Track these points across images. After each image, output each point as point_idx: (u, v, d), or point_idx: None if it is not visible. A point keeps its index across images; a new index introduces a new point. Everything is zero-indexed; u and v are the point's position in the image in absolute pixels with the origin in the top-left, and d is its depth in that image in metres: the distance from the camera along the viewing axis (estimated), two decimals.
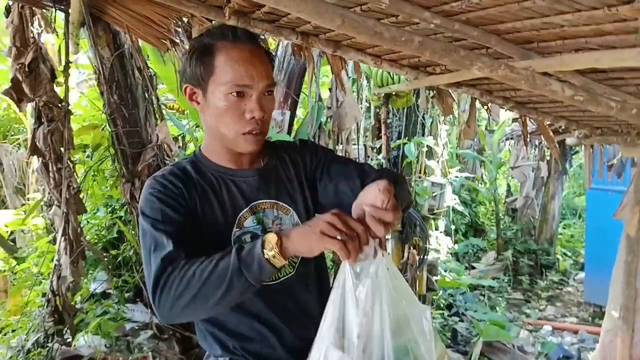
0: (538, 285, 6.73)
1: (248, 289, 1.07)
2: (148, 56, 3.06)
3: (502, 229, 7.69)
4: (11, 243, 5.05)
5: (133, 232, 3.18)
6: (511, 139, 7.56)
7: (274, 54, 3.95)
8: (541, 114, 3.00)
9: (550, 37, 1.73)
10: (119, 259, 3.30)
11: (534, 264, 7.07)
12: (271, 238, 1.05)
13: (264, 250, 1.04)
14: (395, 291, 1.06)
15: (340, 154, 3.47)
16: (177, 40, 2.38)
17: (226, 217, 1.26)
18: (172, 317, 1.14)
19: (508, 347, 4.59)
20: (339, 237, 0.99)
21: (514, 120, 7.19)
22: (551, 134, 3.35)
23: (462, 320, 5.18)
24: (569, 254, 7.72)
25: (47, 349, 2.61)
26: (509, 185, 9.19)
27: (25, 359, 2.57)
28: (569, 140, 3.53)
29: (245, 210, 1.28)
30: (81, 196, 2.96)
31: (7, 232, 4.95)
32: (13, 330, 2.81)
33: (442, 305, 4.84)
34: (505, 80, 1.96)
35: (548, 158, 7.02)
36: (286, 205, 1.33)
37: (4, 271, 4.44)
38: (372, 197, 1.07)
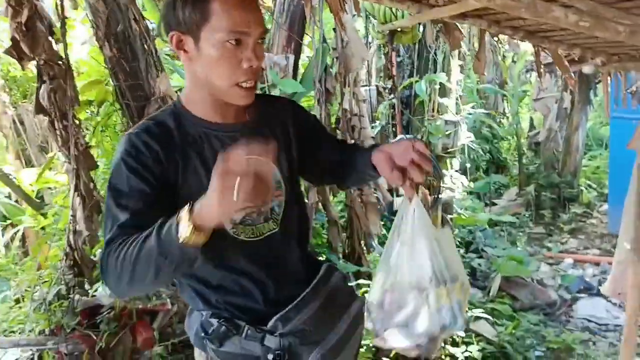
0: (560, 219, 6.66)
1: (182, 265, 1.05)
2: (144, 6, 3.00)
3: (524, 164, 7.55)
4: (38, 200, 5.20)
5: None
6: (533, 70, 7.29)
7: None
8: (553, 42, 2.86)
9: None
10: None
11: (557, 198, 6.96)
12: (184, 216, 1.00)
13: (179, 234, 0.99)
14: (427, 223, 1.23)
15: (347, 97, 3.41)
16: None
17: (210, 174, 1.21)
18: (122, 295, 1.19)
19: (527, 281, 4.61)
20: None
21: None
22: (566, 63, 3.21)
23: (481, 257, 5.20)
24: (593, 185, 7.57)
25: (69, 300, 2.73)
26: (532, 119, 8.95)
27: (48, 311, 2.70)
28: (586, 69, 3.38)
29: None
30: (94, 151, 3.00)
31: (33, 190, 5.10)
32: (37, 285, 2.94)
33: (459, 243, 4.85)
34: (504, 8, 1.87)
35: (571, 88, 6.77)
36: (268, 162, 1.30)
37: (33, 227, 4.61)
38: (404, 149, 1.17)
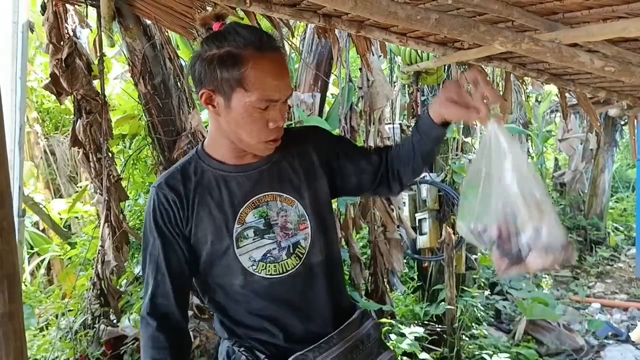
0: (587, 262, 6.53)
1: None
2: (178, 46, 3.13)
3: None
4: (66, 230, 5.31)
5: None
6: (557, 110, 7.28)
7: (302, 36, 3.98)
8: (579, 85, 2.89)
9: (575, 7, 1.66)
10: None
11: (583, 240, 6.85)
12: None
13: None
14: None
15: (372, 134, 3.46)
16: (204, 30, 2.42)
17: (225, 215, 1.27)
18: None
19: (553, 325, 4.49)
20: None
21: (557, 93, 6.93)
22: (591, 105, 3.22)
23: (506, 299, 5.11)
24: (620, 228, 7.43)
25: (94, 329, 2.76)
26: (556, 159, 8.89)
27: (74, 340, 2.73)
28: (612, 112, 3.38)
29: (245, 205, 1.28)
30: (123, 184, 3.08)
31: (62, 219, 5.22)
32: (62, 314, 2.98)
33: (482, 284, 4.79)
34: (529, 53, 1.91)
35: (596, 130, 6.73)
36: (290, 197, 1.32)
37: (60, 256, 4.70)
38: (456, 87, 1.23)
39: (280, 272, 1.29)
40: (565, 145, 7.42)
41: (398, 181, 1.42)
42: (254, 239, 1.27)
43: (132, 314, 2.84)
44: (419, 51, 3.09)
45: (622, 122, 6.54)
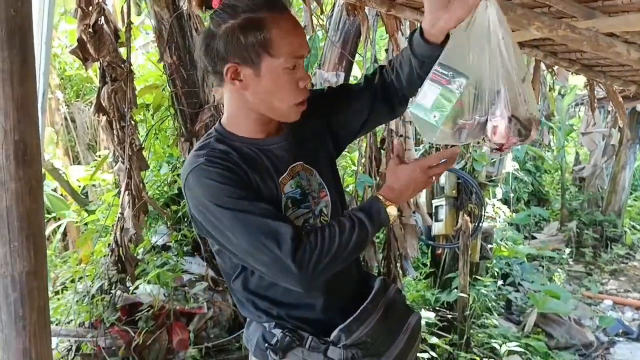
0: (602, 259, 6.46)
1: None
2: (205, 17, 3.10)
3: (567, 199, 7.38)
4: (83, 197, 5.38)
5: None
6: (582, 104, 7.16)
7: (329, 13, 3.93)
8: (610, 78, 2.83)
9: None
10: (179, 214, 3.45)
11: (599, 237, 6.76)
12: (386, 202, 1.23)
13: (390, 216, 1.23)
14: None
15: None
16: None
17: (273, 183, 1.25)
18: (315, 281, 1.19)
19: (564, 319, 4.48)
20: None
21: (585, 85, 6.78)
22: (620, 99, 3.16)
23: (517, 291, 5.09)
24: (638, 227, 7.32)
25: (110, 295, 2.81)
26: (577, 153, 8.76)
27: (90, 304, 2.78)
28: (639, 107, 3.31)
29: (285, 174, 1.28)
30: (144, 154, 3.10)
31: (80, 186, 5.28)
32: (80, 278, 3.03)
33: (496, 274, 4.77)
34: (565, 41, 1.87)
35: (620, 125, 6.60)
36: (309, 167, 1.33)
37: (77, 222, 4.76)
38: None
39: None
40: (587, 139, 7.29)
41: (398, 102, 1.41)
42: (292, 210, 1.27)
43: (147, 282, 2.88)
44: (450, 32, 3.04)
45: None
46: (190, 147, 3.11)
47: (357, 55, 3.83)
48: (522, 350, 3.58)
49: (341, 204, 1.41)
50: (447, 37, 1.22)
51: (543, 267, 5.86)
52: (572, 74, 2.92)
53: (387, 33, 2.59)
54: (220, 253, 1.32)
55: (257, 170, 1.24)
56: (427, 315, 3.38)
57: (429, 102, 1.21)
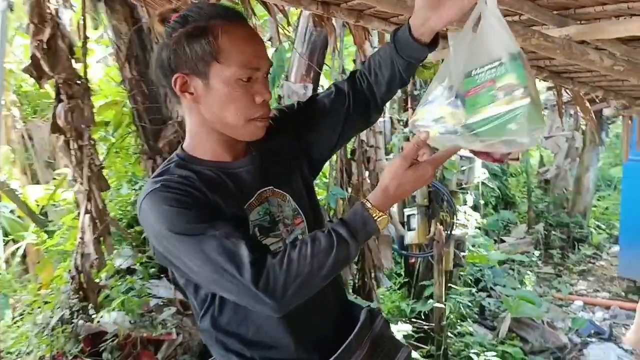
0: (570, 259, 6.57)
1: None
2: None
3: (533, 202, 7.50)
4: (42, 217, 5.14)
5: None
6: (545, 108, 7.28)
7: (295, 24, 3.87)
8: (577, 84, 2.84)
9: (589, 2, 1.59)
10: (144, 235, 3.30)
11: (566, 238, 6.89)
12: (372, 211, 1.08)
13: (378, 225, 1.08)
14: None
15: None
16: None
17: (237, 211, 1.13)
18: (289, 305, 1.05)
19: (537, 323, 4.50)
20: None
21: (549, 89, 6.92)
22: (587, 104, 3.18)
23: (490, 296, 5.10)
24: (603, 226, 7.49)
25: (72, 325, 2.65)
26: (541, 156, 8.93)
27: (51, 335, 2.62)
28: (606, 111, 3.36)
29: (252, 200, 1.16)
30: (104, 173, 2.96)
31: (38, 206, 5.05)
32: (39, 307, 2.86)
33: (469, 281, 4.76)
34: (539, 49, 1.83)
35: (583, 128, 6.75)
36: (281, 191, 1.21)
37: (37, 244, 4.54)
38: None
39: None
40: (551, 142, 7.44)
41: (375, 108, 1.32)
42: (261, 239, 1.15)
43: (111, 310, 2.73)
44: None
45: (609, 122, 6.57)
46: (154, 164, 2.98)
47: (324, 66, 3.77)
48: (499, 358, 3.56)
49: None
50: (436, 39, 1.16)
51: (513, 270, 5.91)
52: (540, 80, 2.92)
53: (355, 44, 2.53)
54: (187, 286, 1.19)
55: (221, 195, 1.12)
56: (404, 328, 3.32)
57: (537, 93, 1.06)
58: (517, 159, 1.38)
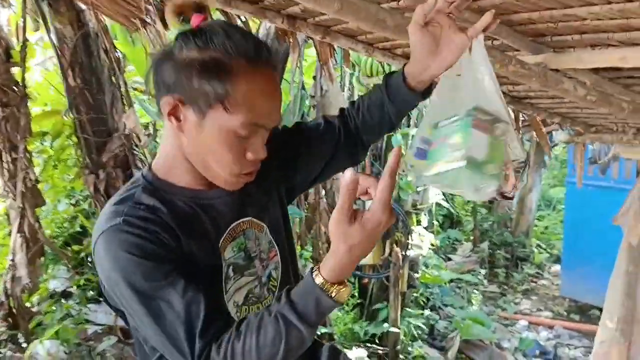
0: (514, 278, 6.71)
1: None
2: (116, 36, 2.79)
3: (478, 220, 7.64)
4: None
5: None
6: None
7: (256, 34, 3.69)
8: (537, 110, 2.86)
9: (568, 30, 1.56)
10: (82, 255, 3.05)
11: (510, 256, 7.05)
12: (324, 285, 0.87)
13: (336, 302, 0.88)
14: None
15: None
16: (148, 20, 2.13)
17: (210, 251, 1.00)
18: None
19: (485, 344, 4.53)
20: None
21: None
22: (544, 129, 3.23)
23: (438, 314, 5.10)
24: (543, 246, 7.73)
25: (0, 356, 2.37)
26: None
27: None
28: (561, 137, 3.41)
29: (224, 237, 1.02)
30: (40, 187, 2.71)
31: None
32: None
33: (422, 302, 4.74)
34: (514, 76, 1.79)
35: (527, 150, 6.96)
36: (259, 222, 1.09)
37: None
38: (425, 36, 1.04)
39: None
40: None
41: (361, 149, 1.26)
42: (234, 279, 1.02)
43: (43, 340, 2.47)
44: (383, 63, 2.95)
45: (552, 145, 6.79)
46: (96, 179, 2.75)
47: (284, 81, 3.66)
48: None
49: (292, 263, 1.18)
50: (431, 86, 1.12)
51: (460, 288, 5.96)
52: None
53: (319, 61, 2.43)
54: (136, 332, 1.04)
55: (192, 234, 0.98)
56: (360, 354, 3.22)
57: (481, 153, 1.02)
58: (511, 198, 1.34)
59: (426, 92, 1.11)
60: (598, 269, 4.91)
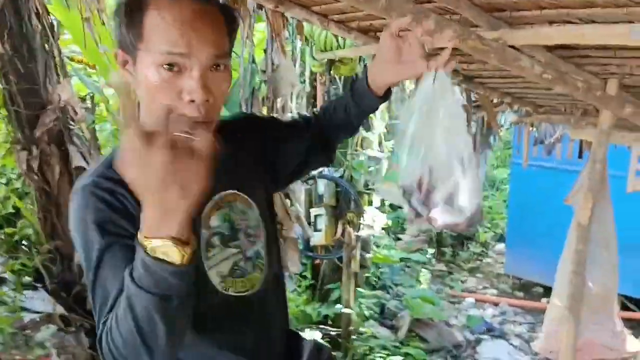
0: (460, 257, 6.86)
1: (185, 300, 0.82)
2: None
3: None
4: None
5: (32, 207, 2.74)
6: None
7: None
8: (488, 89, 2.87)
9: (528, 5, 1.54)
10: (16, 237, 2.84)
11: (457, 235, 7.19)
12: (154, 244, 0.78)
13: (172, 261, 0.78)
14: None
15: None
16: None
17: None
18: None
19: (434, 321, 4.60)
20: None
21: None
22: (494, 110, 3.25)
23: (388, 293, 5.15)
24: (488, 225, 7.94)
25: None
26: None
27: None
28: (510, 118, 3.46)
29: (210, 206, 1.01)
30: None
31: None
32: None
33: (373, 283, 4.77)
34: (474, 52, 1.75)
35: (474, 132, 7.08)
36: (247, 197, 1.08)
37: None
38: (393, 45, 1.14)
39: (248, 288, 1.04)
40: None
41: (332, 150, 1.37)
42: (219, 248, 1.02)
43: None
44: (338, 37, 2.87)
45: (500, 126, 6.94)
46: (29, 156, 2.56)
47: (233, 54, 3.51)
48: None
49: (276, 247, 1.21)
50: (389, 91, 1.23)
51: (409, 267, 6.05)
52: (453, 84, 2.92)
53: (272, 32, 2.32)
54: None
55: None
56: (313, 336, 3.18)
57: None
58: (462, 229, 1.49)
59: (384, 97, 1.23)
60: (541, 247, 5.09)
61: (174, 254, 0.77)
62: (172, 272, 0.77)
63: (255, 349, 1.07)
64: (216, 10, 0.97)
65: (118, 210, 0.90)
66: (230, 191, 1.05)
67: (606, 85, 2.04)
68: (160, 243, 0.77)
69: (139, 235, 0.78)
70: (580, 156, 4.59)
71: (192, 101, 0.92)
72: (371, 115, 4.18)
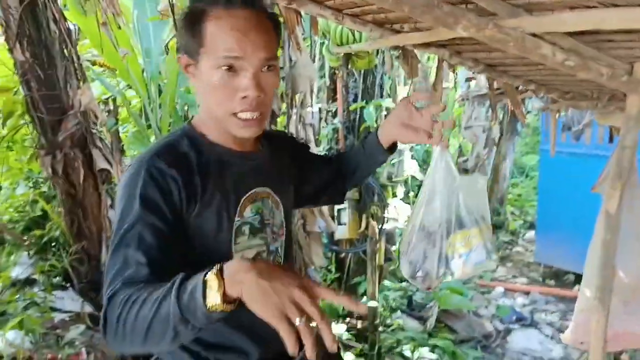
0: None
1: (201, 330, 0.90)
2: (66, 6, 2.60)
3: None
4: None
5: (59, 209, 2.79)
6: (467, 99, 7.41)
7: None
8: (511, 77, 2.79)
9: None
10: (45, 239, 2.91)
11: None
12: (212, 283, 0.83)
13: (207, 302, 0.83)
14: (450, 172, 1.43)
15: (293, 119, 3.18)
16: None
17: (228, 204, 1.14)
18: (123, 352, 1.07)
19: (463, 312, 4.55)
20: (297, 322, 0.80)
21: (467, 79, 7.00)
22: (519, 98, 3.17)
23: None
24: (517, 213, 7.79)
25: None
26: (460, 146, 9.16)
27: None
28: (536, 105, 3.36)
29: (246, 197, 1.17)
30: None
31: None
32: None
33: (399, 275, 4.72)
34: (491, 41, 1.70)
35: (500, 119, 6.95)
36: (277, 199, 1.25)
37: None
38: (407, 110, 1.36)
39: None
40: (469, 133, 7.60)
41: (343, 191, 1.54)
42: (248, 237, 1.17)
43: (7, 330, 2.35)
44: (353, 31, 2.83)
45: (526, 112, 6.78)
46: (53, 160, 2.61)
47: None
48: (431, 352, 3.52)
49: (292, 249, 1.36)
50: (394, 145, 1.42)
51: None
52: (474, 73, 2.85)
53: (286, 30, 2.29)
54: None
55: (211, 184, 1.12)
56: (339, 331, 3.18)
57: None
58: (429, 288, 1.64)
59: (389, 149, 1.42)
60: (571, 235, 4.97)
61: (215, 301, 0.83)
62: (203, 312, 0.84)
63: (266, 330, 1.11)
64: (265, 18, 1.12)
65: (164, 192, 1.03)
66: (266, 189, 1.20)
67: (632, 69, 1.96)
68: (216, 284, 0.82)
69: (212, 280, 0.83)
70: (611, 140, 4.44)
71: (245, 97, 1.09)
72: (392, 106, 4.12)
